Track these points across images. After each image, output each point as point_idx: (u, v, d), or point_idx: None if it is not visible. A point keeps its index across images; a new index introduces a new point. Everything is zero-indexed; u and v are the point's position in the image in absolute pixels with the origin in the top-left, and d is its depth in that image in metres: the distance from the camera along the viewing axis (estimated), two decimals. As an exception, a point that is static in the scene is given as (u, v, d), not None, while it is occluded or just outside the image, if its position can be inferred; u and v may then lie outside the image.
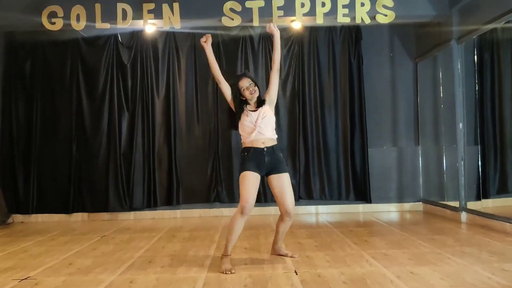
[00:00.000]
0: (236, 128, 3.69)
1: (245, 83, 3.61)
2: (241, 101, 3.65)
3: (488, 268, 3.28)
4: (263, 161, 3.53)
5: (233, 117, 3.71)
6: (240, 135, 3.69)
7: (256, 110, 3.62)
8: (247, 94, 3.60)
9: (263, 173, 3.58)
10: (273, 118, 3.67)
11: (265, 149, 3.55)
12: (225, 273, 3.32)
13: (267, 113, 3.62)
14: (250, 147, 3.56)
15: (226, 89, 3.70)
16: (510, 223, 4.61)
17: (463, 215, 5.43)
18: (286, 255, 3.77)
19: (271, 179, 3.59)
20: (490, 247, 4.00)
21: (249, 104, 3.67)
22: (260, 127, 3.56)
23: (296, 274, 3.27)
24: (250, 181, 3.45)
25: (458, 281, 2.97)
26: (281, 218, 3.68)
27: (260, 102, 3.66)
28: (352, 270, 3.33)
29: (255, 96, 3.63)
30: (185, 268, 3.51)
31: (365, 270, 3.32)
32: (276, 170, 3.58)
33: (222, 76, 3.73)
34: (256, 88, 3.63)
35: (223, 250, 3.49)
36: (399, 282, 2.98)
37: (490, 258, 3.61)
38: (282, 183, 3.56)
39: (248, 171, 3.48)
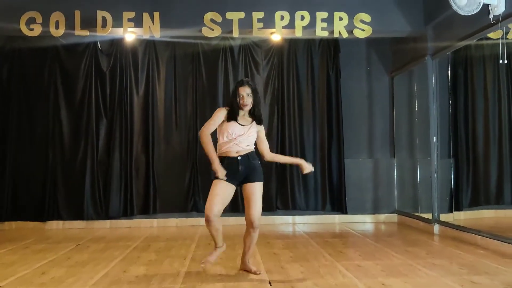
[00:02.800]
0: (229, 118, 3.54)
1: (244, 91, 3.54)
2: (233, 105, 3.56)
3: (458, 280, 3.36)
4: (237, 170, 3.48)
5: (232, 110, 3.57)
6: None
7: (245, 126, 3.56)
8: (239, 101, 3.54)
9: (238, 182, 3.52)
10: (254, 139, 3.63)
11: (239, 157, 3.50)
12: (201, 263, 3.56)
13: (252, 134, 3.58)
14: (224, 157, 3.51)
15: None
16: (480, 235, 4.73)
17: (436, 227, 5.54)
18: (250, 271, 3.65)
19: (244, 188, 3.53)
20: (460, 259, 4.10)
21: (239, 114, 3.58)
22: (239, 141, 3.52)
23: (270, 285, 3.30)
24: (217, 190, 3.42)
25: (427, 293, 3.04)
26: (246, 230, 3.57)
27: (251, 119, 3.60)
28: (325, 281, 3.38)
29: (245, 108, 3.55)
30: (160, 278, 3.50)
31: (338, 281, 3.38)
32: (250, 179, 3.52)
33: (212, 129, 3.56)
34: (250, 101, 3.55)
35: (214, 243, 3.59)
36: (370, 294, 3.04)
37: (460, 270, 3.70)
38: (252, 192, 3.49)
39: (220, 180, 3.43)
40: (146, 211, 6.34)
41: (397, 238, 5.27)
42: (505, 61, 4.38)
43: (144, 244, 5.03)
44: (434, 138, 5.64)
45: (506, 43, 4.51)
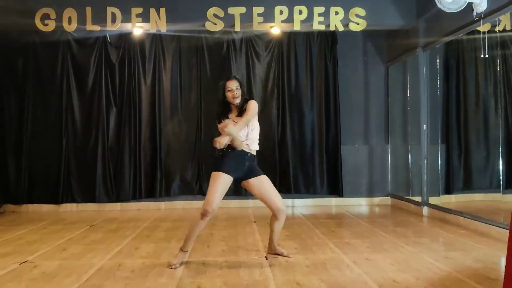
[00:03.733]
0: (220, 122, 3.56)
1: (231, 85, 3.58)
2: (223, 102, 3.63)
3: (434, 255, 3.75)
4: (244, 165, 3.54)
5: (222, 111, 3.63)
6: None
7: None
8: (229, 95, 3.57)
9: (237, 176, 3.55)
10: (258, 131, 3.69)
11: (249, 154, 3.58)
12: (169, 267, 3.44)
13: (254, 125, 3.64)
14: (235, 148, 3.50)
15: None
16: (463, 216, 5.11)
17: (425, 209, 5.92)
18: (282, 254, 3.78)
19: (251, 183, 3.59)
20: (442, 238, 4.49)
21: (232, 108, 3.63)
22: (250, 139, 3.59)
23: (266, 259, 3.71)
24: (221, 185, 3.43)
25: (404, 266, 3.43)
26: (274, 217, 3.68)
27: (242, 110, 3.59)
28: (316, 256, 3.78)
29: (236, 100, 3.57)
30: (169, 254, 3.92)
31: (327, 256, 3.78)
32: (254, 174, 3.61)
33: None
34: (239, 93, 3.58)
35: (183, 244, 3.59)
36: (354, 266, 3.44)
37: (438, 247, 4.09)
38: (265, 184, 3.60)
39: (222, 173, 3.44)
40: (154, 194, 6.77)
41: (388, 219, 5.66)
42: (486, 56, 4.69)
43: (153, 224, 5.45)
44: (424, 126, 5.99)
45: (497, 34, 4.83)
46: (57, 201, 6.68)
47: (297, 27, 6.02)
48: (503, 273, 3.17)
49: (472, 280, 3.07)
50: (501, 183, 5.11)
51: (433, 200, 5.94)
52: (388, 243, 4.24)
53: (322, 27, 6.06)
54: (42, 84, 6.75)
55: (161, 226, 5.34)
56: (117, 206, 6.77)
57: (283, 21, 6.02)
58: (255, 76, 6.92)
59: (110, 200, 6.74)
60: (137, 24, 6.01)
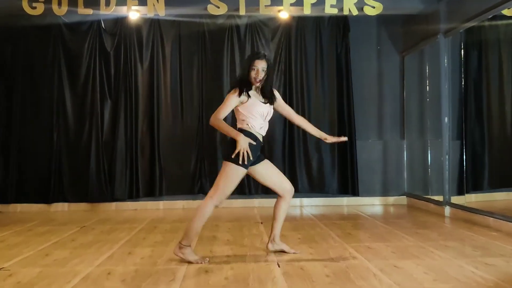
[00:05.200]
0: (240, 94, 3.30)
1: (259, 64, 3.31)
2: (245, 80, 3.35)
3: (471, 262, 3.26)
4: (256, 155, 3.36)
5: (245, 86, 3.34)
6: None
7: (267, 104, 3.38)
8: (252, 74, 3.30)
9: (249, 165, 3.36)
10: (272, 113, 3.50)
11: (262, 143, 3.44)
12: (199, 263, 3.25)
13: (271, 114, 3.45)
14: (257, 137, 3.34)
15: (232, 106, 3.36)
16: (493, 217, 4.62)
17: (447, 209, 5.43)
18: (286, 251, 3.56)
19: (257, 170, 3.45)
20: (473, 241, 3.99)
21: (251, 90, 3.36)
22: (266, 124, 3.42)
23: (279, 266, 3.22)
24: (236, 178, 3.28)
25: (441, 275, 2.94)
26: (281, 200, 3.51)
27: (266, 96, 3.37)
28: (335, 263, 3.29)
29: (257, 83, 3.33)
30: (165, 259, 3.43)
31: (348, 263, 3.28)
32: (260, 159, 3.47)
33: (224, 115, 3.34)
34: (263, 76, 3.32)
35: (185, 239, 3.28)
36: (382, 276, 2.94)
37: (473, 252, 3.59)
38: (272, 168, 3.52)
39: (240, 167, 3.23)
40: (152, 193, 6.29)
41: (407, 221, 5.17)
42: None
43: (150, 226, 4.96)
44: (446, 119, 5.50)
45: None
46: (47, 200, 6.20)
47: (307, 10, 5.55)
48: None
49: (526, 293, 2.58)
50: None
51: (455, 199, 5.45)
52: (414, 248, 3.74)
53: (334, 11, 5.58)
54: (31, 73, 6.26)
55: (159, 227, 4.85)
56: (112, 205, 6.28)
57: (292, 4, 5.56)
58: (261, 66, 6.42)
59: (105, 199, 6.24)
60: (133, 8, 5.56)
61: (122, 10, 5.63)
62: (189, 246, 3.32)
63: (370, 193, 6.48)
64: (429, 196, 5.89)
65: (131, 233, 4.53)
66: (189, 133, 6.37)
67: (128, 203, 6.30)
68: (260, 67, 3.31)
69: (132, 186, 6.28)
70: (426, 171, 6.04)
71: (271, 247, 3.60)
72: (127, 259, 3.48)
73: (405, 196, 6.50)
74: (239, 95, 3.29)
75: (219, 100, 6.27)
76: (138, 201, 6.31)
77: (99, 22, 6.25)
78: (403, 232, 4.41)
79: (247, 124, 3.33)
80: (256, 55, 3.38)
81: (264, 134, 3.43)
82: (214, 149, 6.33)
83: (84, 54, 6.30)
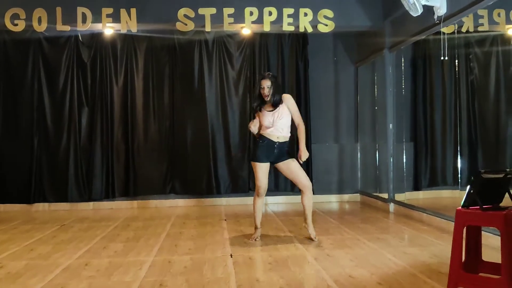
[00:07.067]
0: (255, 110, 4.42)
1: (264, 83, 4.27)
2: (259, 95, 4.32)
3: (392, 251, 3.90)
4: (273, 152, 4.29)
5: (257, 103, 4.37)
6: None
7: (272, 111, 4.28)
8: (262, 92, 4.28)
9: (271, 160, 4.33)
10: (289, 119, 4.36)
11: (277, 143, 4.29)
12: (251, 240, 4.35)
13: (283, 115, 4.30)
14: (266, 137, 4.29)
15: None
16: (426, 213, 5.28)
17: (391, 206, 6.10)
18: (308, 236, 4.40)
19: (280, 166, 4.37)
20: (403, 234, 4.66)
21: (265, 103, 4.32)
22: (277, 126, 4.28)
23: (231, 257, 3.81)
24: (261, 171, 4.30)
25: (363, 262, 3.57)
26: (303, 194, 4.39)
27: (275, 105, 4.28)
28: (279, 253, 3.90)
29: (266, 98, 4.27)
30: (136, 253, 3.99)
31: (290, 253, 3.90)
32: (283, 158, 4.34)
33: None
34: (270, 92, 4.25)
35: (255, 223, 4.46)
36: (315, 263, 3.57)
37: (398, 243, 4.24)
38: (293, 168, 4.35)
39: (259, 163, 4.28)
40: (127, 193, 6.81)
41: (354, 216, 5.82)
42: (446, 58, 4.87)
43: (124, 223, 5.50)
44: (390, 125, 6.16)
45: (459, 36, 5.01)
46: (29, 200, 6.67)
47: (267, 28, 6.12)
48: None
49: (424, 274, 3.22)
50: (459, 180, 5.27)
51: (399, 197, 6.11)
52: (350, 240, 4.38)
53: (291, 28, 6.17)
54: (12, 83, 6.71)
55: (132, 225, 5.40)
56: (90, 205, 6.79)
57: (253, 22, 6.09)
58: (228, 76, 6.99)
59: (83, 199, 6.76)
60: (108, 24, 6.03)
61: (98, 27, 6.10)
62: (257, 228, 4.46)
63: (327, 191, 7.12)
64: (377, 194, 6.56)
65: (106, 230, 5.07)
66: (161, 138, 6.92)
67: (105, 202, 6.81)
68: (266, 85, 4.27)
69: (108, 187, 6.80)
70: (375, 171, 6.70)
71: (304, 225, 4.48)
72: (102, 252, 4.03)
73: (358, 194, 7.17)
74: (255, 111, 4.45)
75: (188, 107, 6.85)
76: (114, 200, 6.83)
77: (76, 35, 6.72)
78: (346, 227, 5.05)
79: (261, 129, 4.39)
80: (261, 76, 4.41)
81: (276, 135, 4.29)
82: (185, 153, 6.88)
83: (63, 64, 6.77)
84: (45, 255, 3.95)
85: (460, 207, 2.69)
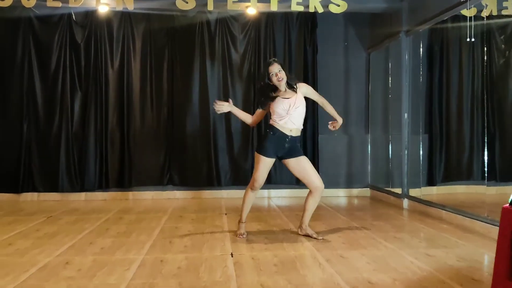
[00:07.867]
0: (261, 106, 4.03)
1: (274, 69, 3.82)
2: (269, 86, 3.89)
3: (413, 253, 3.46)
4: (283, 146, 3.87)
5: (265, 95, 3.94)
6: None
7: (290, 98, 3.84)
8: (274, 80, 3.82)
9: (279, 155, 3.92)
10: (304, 110, 3.94)
11: (289, 137, 3.86)
12: (238, 237, 3.94)
13: (299, 104, 3.87)
14: (278, 129, 3.86)
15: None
16: (445, 210, 4.84)
17: (405, 202, 5.66)
18: (311, 236, 3.94)
19: (290, 162, 3.93)
20: (422, 233, 4.21)
21: (279, 90, 3.89)
22: (292, 116, 3.84)
23: (232, 256, 3.38)
24: (264, 165, 3.88)
25: (382, 265, 3.13)
26: (310, 194, 3.98)
27: (291, 87, 3.89)
28: (286, 253, 3.46)
29: (282, 83, 3.84)
30: (124, 250, 3.56)
31: (298, 253, 3.47)
32: (294, 154, 3.91)
33: (259, 113, 4.11)
34: (283, 75, 3.82)
35: (240, 216, 4.06)
36: (326, 265, 3.13)
37: (418, 243, 3.80)
38: (303, 165, 3.91)
39: (265, 157, 3.85)
40: (121, 184, 6.38)
41: (366, 212, 5.38)
42: (473, 39, 4.40)
43: (116, 216, 5.08)
44: (406, 115, 5.70)
45: (480, 20, 4.55)
46: (16, 190, 6.24)
47: (274, 7, 5.65)
48: (487, 274, 2.90)
49: (454, 281, 2.78)
50: (485, 175, 4.80)
51: (413, 192, 5.67)
52: (365, 239, 3.94)
53: (300, 8, 5.70)
54: (1, 64, 6.25)
55: (124, 218, 4.97)
56: (82, 196, 6.35)
57: (259, 1, 5.65)
58: (231, 60, 6.54)
59: (74, 189, 6.32)
60: (102, 1, 5.57)
61: (92, 3, 5.65)
62: (242, 222, 4.05)
63: (334, 185, 6.67)
64: (389, 189, 6.12)
65: (95, 223, 4.64)
66: (159, 125, 6.47)
67: (98, 193, 6.38)
68: (277, 69, 3.82)
69: (101, 177, 6.36)
70: (388, 164, 6.25)
71: (299, 231, 4.06)
72: (87, 249, 3.60)
73: (368, 188, 6.72)
74: (260, 107, 4.05)
75: (188, 93, 6.43)
76: (108, 191, 6.39)
77: (69, 14, 6.27)
78: (358, 224, 4.61)
79: (272, 119, 3.94)
80: (267, 64, 3.92)
81: (289, 127, 3.85)
82: (184, 142, 6.44)
83: (55, 45, 6.31)
84: (22, 251, 3.52)
85: (507, 205, 2.23)
